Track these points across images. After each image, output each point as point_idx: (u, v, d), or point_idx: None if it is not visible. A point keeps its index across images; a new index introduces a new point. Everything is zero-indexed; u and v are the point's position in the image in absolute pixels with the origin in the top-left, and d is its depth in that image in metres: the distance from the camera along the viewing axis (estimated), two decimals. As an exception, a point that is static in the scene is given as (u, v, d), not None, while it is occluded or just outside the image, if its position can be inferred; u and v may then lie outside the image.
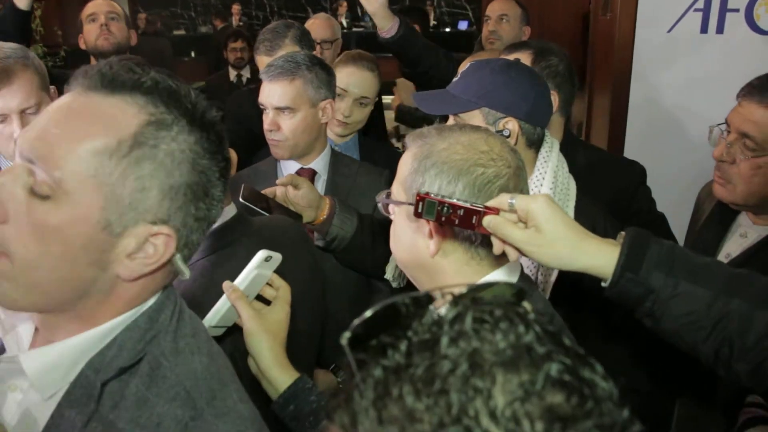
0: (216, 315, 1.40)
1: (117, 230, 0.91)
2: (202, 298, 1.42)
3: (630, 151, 3.64)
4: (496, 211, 1.18)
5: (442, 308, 0.55)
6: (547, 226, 1.17)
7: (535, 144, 1.76)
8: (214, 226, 1.59)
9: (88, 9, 3.39)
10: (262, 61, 2.89)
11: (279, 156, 2.27)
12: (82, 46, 3.42)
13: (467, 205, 1.17)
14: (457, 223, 1.18)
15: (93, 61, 3.33)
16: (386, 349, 0.52)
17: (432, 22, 14.22)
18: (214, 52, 9.98)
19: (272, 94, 2.19)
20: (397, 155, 2.87)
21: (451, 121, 1.76)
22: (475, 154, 1.25)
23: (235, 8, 13.01)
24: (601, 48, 4.15)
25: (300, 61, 2.22)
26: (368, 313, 0.55)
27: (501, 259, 1.29)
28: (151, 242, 0.94)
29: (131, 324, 0.98)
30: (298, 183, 1.99)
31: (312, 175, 2.31)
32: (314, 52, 2.95)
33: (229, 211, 1.67)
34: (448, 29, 14.37)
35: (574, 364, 0.50)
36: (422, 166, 1.26)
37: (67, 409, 0.93)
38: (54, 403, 0.95)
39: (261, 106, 2.23)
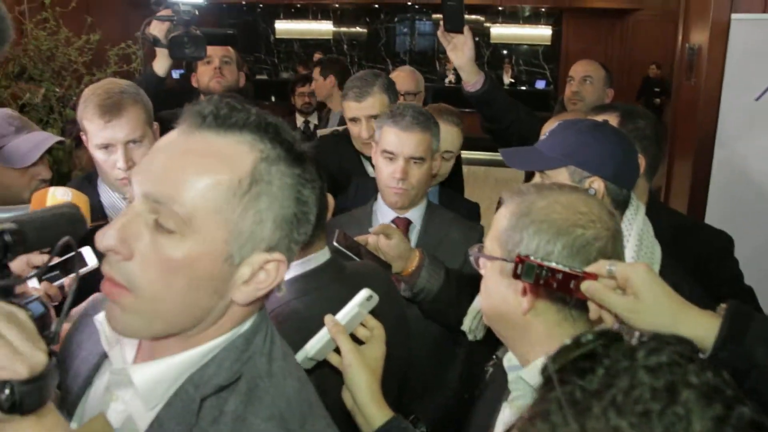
0: (314, 347, 1.44)
1: (237, 261, 0.98)
2: (293, 338, 1.46)
3: (711, 219, 3.56)
4: (594, 276, 1.18)
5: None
6: (646, 295, 1.16)
7: (621, 206, 1.75)
8: (309, 268, 1.66)
9: None
10: (350, 107, 2.97)
11: (399, 205, 2.32)
12: (194, 84, 3.59)
13: (566, 269, 1.18)
14: (555, 287, 1.19)
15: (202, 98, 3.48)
16: (585, 373, 0.58)
17: (509, 80, 14.34)
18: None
19: (408, 143, 2.25)
20: (474, 208, 2.90)
21: (537, 178, 1.77)
22: (574, 214, 1.25)
23: (317, 56, 13.40)
24: (684, 112, 4.11)
25: (429, 115, 2.31)
26: (567, 341, 0.62)
27: (593, 322, 1.28)
28: (264, 269, 1.00)
29: (229, 345, 1.03)
30: (390, 233, 2.03)
31: (407, 224, 2.35)
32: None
33: (323, 255, 1.72)
34: (524, 87, 14.43)
35: (758, 412, 0.56)
36: (521, 223, 1.27)
37: (167, 420, 0.99)
38: (154, 414, 1.00)
39: (388, 155, 2.27)
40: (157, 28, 2.54)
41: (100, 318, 1.08)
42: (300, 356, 1.42)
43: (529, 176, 3.41)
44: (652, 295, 1.16)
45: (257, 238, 0.98)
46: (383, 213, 2.38)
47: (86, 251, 1.78)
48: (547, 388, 0.60)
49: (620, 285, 1.18)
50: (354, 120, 2.99)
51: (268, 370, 1.03)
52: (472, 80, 2.83)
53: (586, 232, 1.24)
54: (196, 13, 2.31)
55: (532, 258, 1.19)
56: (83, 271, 1.75)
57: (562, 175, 1.71)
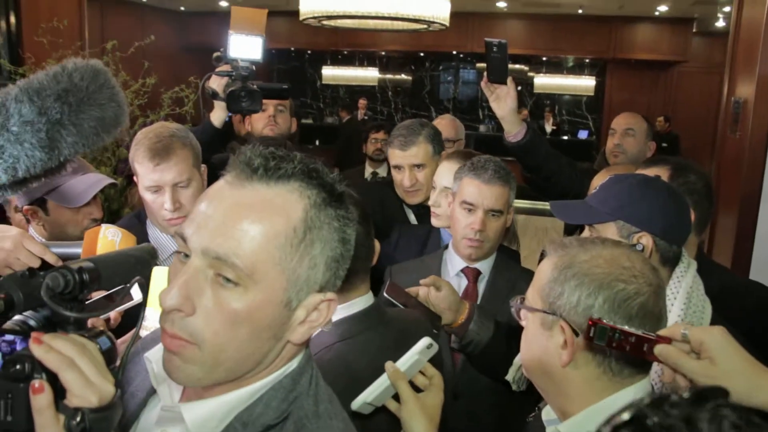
0: (373, 392, 1.46)
1: (294, 305, 1.01)
2: (338, 381, 1.47)
3: (756, 273, 3.50)
4: (668, 340, 1.18)
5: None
6: (722, 359, 1.15)
7: (670, 262, 1.74)
8: (353, 312, 1.68)
9: None
10: (394, 154, 3.03)
11: (474, 257, 2.34)
12: (248, 128, 3.71)
13: (639, 333, 1.19)
14: (628, 350, 1.19)
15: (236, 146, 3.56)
16: None
17: (551, 128, 14.35)
18: (342, 141, 10.25)
19: (488, 196, 2.28)
20: (514, 256, 2.88)
21: (586, 232, 1.77)
22: (617, 269, 1.25)
23: (362, 103, 13.60)
24: (728, 166, 4.07)
25: (508, 169, 2.34)
26: (630, 399, 0.59)
27: (633, 378, 1.28)
28: (317, 308, 1.03)
29: (276, 384, 1.05)
30: (439, 285, 2.03)
31: (476, 275, 2.37)
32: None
33: (368, 300, 1.74)
34: (566, 137, 14.41)
35: None
36: (562, 276, 1.28)
37: None
38: None
39: (468, 206, 2.29)
40: (216, 83, 2.63)
41: (149, 356, 1.11)
42: (359, 401, 1.44)
43: (570, 226, 3.39)
44: (728, 359, 1.15)
45: (312, 281, 1.01)
46: (453, 262, 2.39)
47: (134, 291, 1.81)
48: None
49: (694, 349, 1.18)
50: (398, 167, 3.03)
51: (315, 411, 1.05)
52: (514, 131, 2.82)
53: (627, 287, 1.24)
54: (254, 68, 2.39)
55: (605, 321, 1.19)
56: (130, 304, 1.79)
57: (610, 229, 1.71)
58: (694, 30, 12.87)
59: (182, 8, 13.89)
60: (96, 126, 1.34)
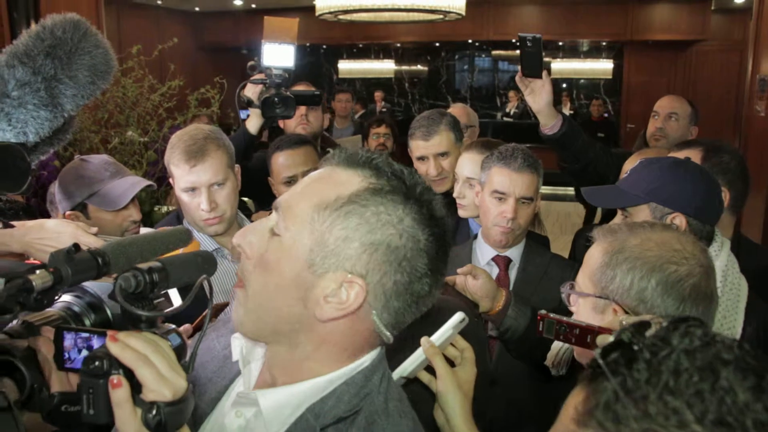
0: (409, 366, 1.49)
1: (319, 271, 1.04)
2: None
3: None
4: (608, 331, 1.22)
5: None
6: None
7: (704, 241, 1.75)
8: None
9: None
10: (417, 145, 3.05)
11: (505, 243, 2.37)
12: (281, 126, 3.81)
13: (583, 324, 1.25)
14: (574, 342, 1.26)
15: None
16: (631, 362, 0.65)
17: (568, 112, 14.26)
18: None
19: (519, 184, 2.30)
20: (544, 241, 2.89)
21: (619, 216, 1.79)
22: (668, 251, 1.29)
23: (378, 95, 13.60)
24: (755, 144, 4.05)
25: (535, 157, 2.36)
26: (610, 338, 0.70)
27: None
28: (345, 289, 1.04)
29: (349, 379, 1.10)
30: (476, 273, 2.06)
31: (507, 262, 2.40)
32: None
33: None
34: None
35: None
36: (614, 261, 1.31)
37: None
38: None
39: (499, 194, 2.32)
40: (251, 91, 2.70)
41: (238, 336, 1.19)
42: (396, 375, 1.47)
43: (593, 211, 3.38)
44: None
45: (341, 254, 1.03)
46: (483, 251, 2.42)
47: (173, 293, 1.86)
48: (597, 382, 0.67)
49: None
50: (422, 159, 3.05)
51: (385, 408, 1.09)
52: (550, 123, 2.81)
53: (679, 269, 1.27)
54: (287, 76, 2.45)
55: (551, 315, 1.26)
56: (170, 311, 1.83)
57: (643, 212, 1.73)
58: (712, 7, 12.71)
59: (197, 9, 13.98)
60: (90, 74, 1.46)
